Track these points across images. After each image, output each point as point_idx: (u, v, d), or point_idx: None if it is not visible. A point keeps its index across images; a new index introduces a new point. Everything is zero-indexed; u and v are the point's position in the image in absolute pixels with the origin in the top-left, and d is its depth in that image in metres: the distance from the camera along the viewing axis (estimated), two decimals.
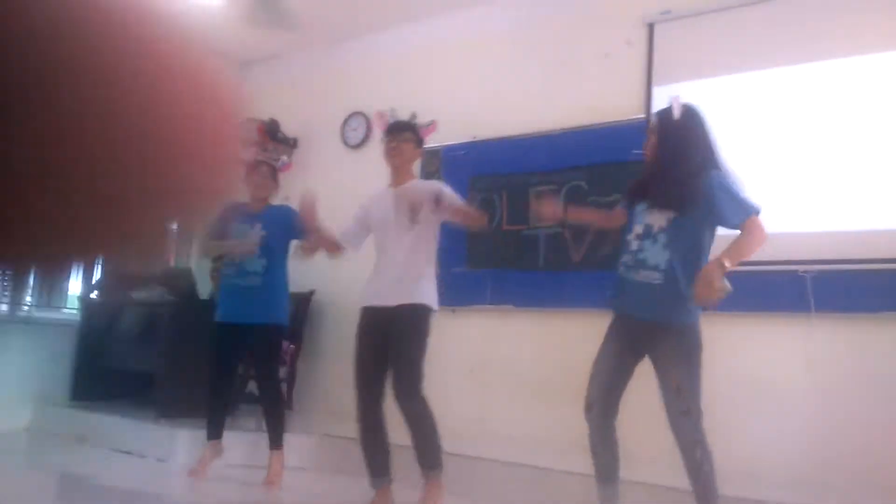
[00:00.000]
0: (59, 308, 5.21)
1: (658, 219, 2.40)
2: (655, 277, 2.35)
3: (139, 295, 4.78)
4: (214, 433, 3.62)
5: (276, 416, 3.53)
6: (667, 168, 2.44)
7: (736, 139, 3.58)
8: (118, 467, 3.90)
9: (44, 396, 4.81)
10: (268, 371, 3.58)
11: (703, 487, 2.31)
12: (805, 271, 3.24)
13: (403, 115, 4.09)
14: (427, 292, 3.04)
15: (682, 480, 2.44)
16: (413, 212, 2.97)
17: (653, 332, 2.38)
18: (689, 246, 2.37)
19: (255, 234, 3.55)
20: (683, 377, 2.33)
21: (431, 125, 3.22)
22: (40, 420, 4.74)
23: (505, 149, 4.31)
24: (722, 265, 2.23)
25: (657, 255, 2.36)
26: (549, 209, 2.86)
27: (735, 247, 2.31)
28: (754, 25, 3.62)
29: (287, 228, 3.54)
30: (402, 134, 3.19)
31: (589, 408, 2.48)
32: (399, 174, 3.19)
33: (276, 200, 3.90)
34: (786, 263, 3.31)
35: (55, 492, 3.59)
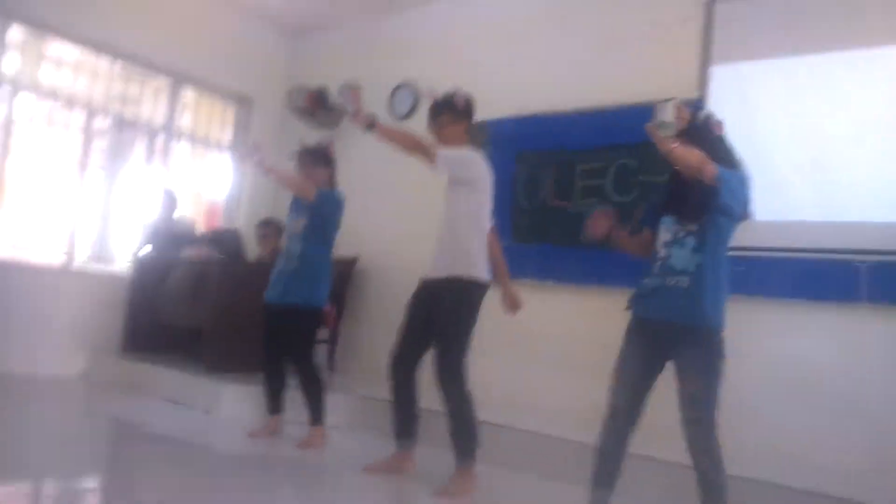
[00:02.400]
0: (111, 262, 5.40)
1: (688, 224, 2.40)
2: (684, 281, 2.34)
3: (188, 252, 4.93)
4: (273, 408, 3.74)
5: (312, 396, 3.60)
6: (695, 181, 2.36)
7: (794, 123, 3.53)
8: (167, 417, 4.06)
9: (97, 346, 5.02)
10: (298, 353, 3.64)
11: (710, 497, 2.29)
12: (861, 261, 3.19)
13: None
14: (461, 264, 2.96)
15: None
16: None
17: (678, 334, 2.35)
18: (715, 247, 2.37)
19: (300, 223, 3.62)
20: (701, 386, 2.32)
21: (461, 94, 3.13)
22: (93, 368, 4.95)
23: (553, 124, 4.31)
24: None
25: (686, 259, 2.35)
26: (597, 228, 2.65)
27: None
28: (814, 6, 3.53)
29: (326, 214, 3.60)
30: (438, 118, 3.10)
31: (614, 415, 2.45)
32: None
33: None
34: (840, 252, 3.26)
35: (108, 437, 3.76)
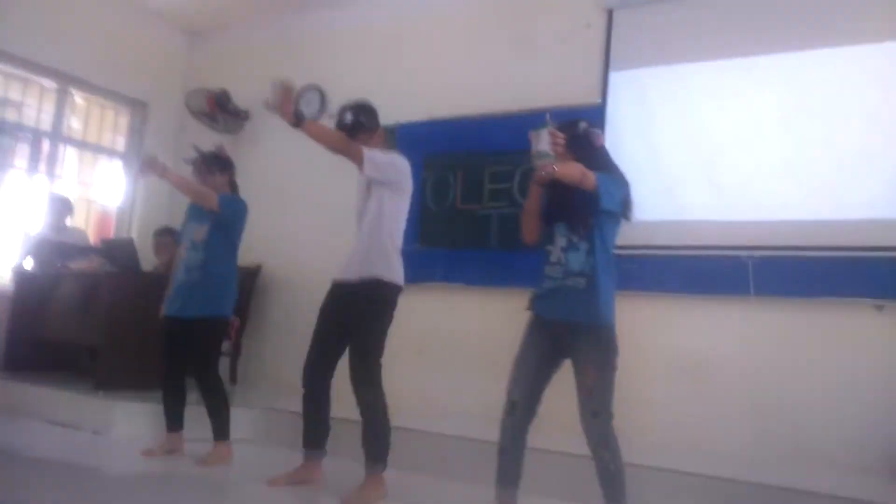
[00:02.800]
0: None
1: (578, 230, 2.51)
2: (581, 283, 2.45)
3: (78, 265, 4.62)
4: (172, 425, 3.53)
5: (216, 411, 3.44)
6: (577, 191, 2.44)
7: (688, 127, 3.68)
8: (52, 439, 3.75)
9: None
10: (202, 367, 3.47)
11: (610, 486, 2.37)
12: (748, 256, 3.35)
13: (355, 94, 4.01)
14: (379, 266, 2.93)
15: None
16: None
17: (575, 333, 2.46)
18: (604, 248, 2.49)
19: (202, 230, 3.46)
20: (597, 379, 2.41)
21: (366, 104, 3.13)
22: None
23: (461, 128, 4.32)
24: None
25: (581, 262, 2.46)
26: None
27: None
28: (710, 16, 3.70)
29: (230, 222, 3.47)
30: (356, 138, 2.98)
31: (511, 409, 2.50)
32: None
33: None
34: (730, 249, 3.42)
35: None
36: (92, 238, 5.32)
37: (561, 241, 2.53)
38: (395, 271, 2.97)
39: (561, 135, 2.36)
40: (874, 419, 3.04)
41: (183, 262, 3.51)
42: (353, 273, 2.96)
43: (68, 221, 5.08)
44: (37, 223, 5.01)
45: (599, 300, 2.43)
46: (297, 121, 2.86)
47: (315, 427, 3.02)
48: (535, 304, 2.60)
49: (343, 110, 3.10)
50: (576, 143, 2.51)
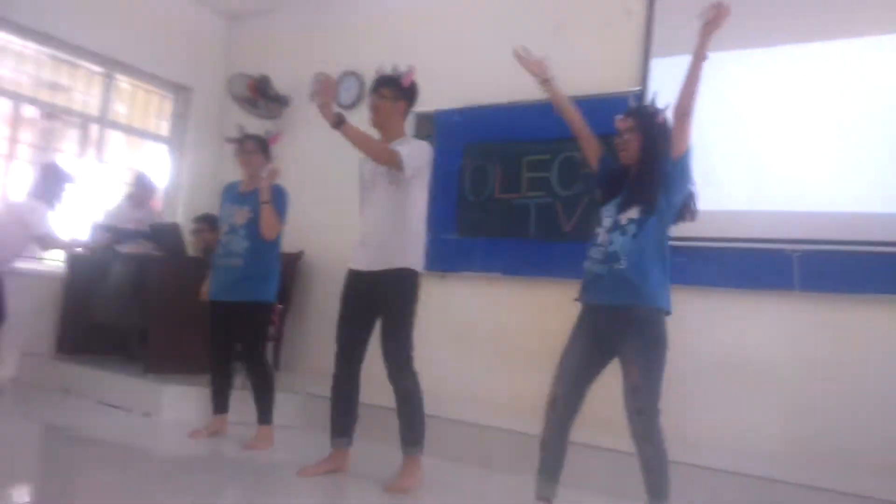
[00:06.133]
0: (44, 260, 5.17)
1: (630, 212, 2.44)
2: (626, 265, 2.38)
3: (126, 249, 4.75)
4: (219, 407, 3.63)
5: (262, 394, 3.53)
6: (647, 169, 2.45)
7: (734, 115, 3.59)
8: (104, 420, 3.92)
9: (28, 349, 4.79)
10: (250, 351, 3.55)
11: (652, 482, 2.35)
12: (792, 250, 3.28)
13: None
14: (411, 255, 2.97)
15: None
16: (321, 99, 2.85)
17: (618, 318, 2.39)
18: (656, 235, 2.42)
19: (243, 214, 3.51)
20: (642, 376, 2.36)
21: (410, 72, 3.07)
22: (25, 371, 4.72)
23: (499, 116, 4.28)
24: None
25: (626, 245, 2.39)
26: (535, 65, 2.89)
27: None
28: (749, 3, 3.59)
29: (279, 207, 3.50)
30: (379, 90, 3.04)
31: (553, 403, 2.48)
32: (384, 132, 3.07)
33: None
34: (773, 242, 3.35)
35: (40, 442, 3.60)
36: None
37: (607, 222, 2.48)
38: (420, 258, 3.04)
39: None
40: None
41: (223, 247, 3.55)
42: (382, 263, 2.95)
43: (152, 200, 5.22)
44: (114, 202, 5.20)
45: (648, 282, 2.36)
46: (338, 122, 2.82)
47: (344, 415, 3.08)
48: (581, 293, 2.54)
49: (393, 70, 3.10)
50: (653, 129, 2.50)
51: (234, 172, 3.89)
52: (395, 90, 3.04)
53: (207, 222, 4.64)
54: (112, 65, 5.47)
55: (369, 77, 4.91)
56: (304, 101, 5.34)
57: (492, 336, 4.06)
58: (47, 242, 4.45)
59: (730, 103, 3.60)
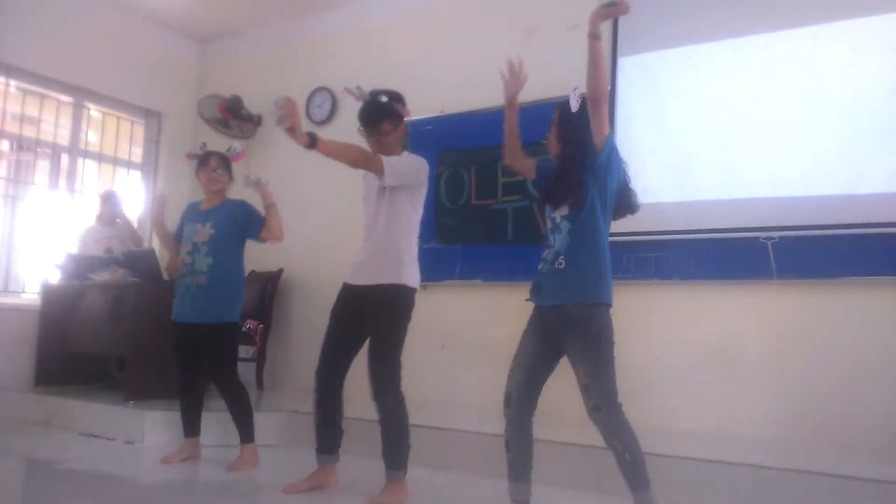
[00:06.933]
0: (18, 293, 5.09)
1: (562, 209, 2.45)
2: (562, 264, 2.38)
3: (101, 277, 4.68)
4: (189, 431, 3.57)
5: (239, 413, 3.46)
6: (568, 162, 2.44)
7: (699, 107, 3.63)
8: (87, 450, 3.83)
9: (5, 382, 4.71)
10: (219, 371, 3.49)
11: (629, 475, 2.33)
12: (767, 237, 3.30)
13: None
14: (404, 271, 2.89)
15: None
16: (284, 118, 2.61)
17: (559, 317, 2.38)
18: (591, 230, 2.40)
19: (205, 231, 3.46)
20: (590, 375, 2.32)
21: (405, 109, 3.02)
22: (4, 407, 4.63)
23: (472, 123, 4.31)
24: None
25: (563, 243, 2.40)
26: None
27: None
28: None
29: (239, 225, 3.47)
30: (378, 126, 2.92)
31: (507, 402, 2.47)
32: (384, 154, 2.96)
33: (237, 183, 3.77)
34: (748, 231, 3.37)
35: (22, 477, 3.52)
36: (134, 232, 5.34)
37: (550, 224, 2.49)
38: (414, 274, 2.94)
39: None
40: None
41: (186, 266, 3.48)
42: (371, 277, 2.90)
43: (124, 212, 5.15)
44: (86, 221, 5.13)
45: (585, 279, 2.34)
46: (311, 143, 2.67)
47: (328, 431, 3.02)
48: (530, 293, 2.53)
49: (377, 92, 2.97)
50: (570, 121, 2.45)
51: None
52: (393, 122, 2.96)
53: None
54: (82, 94, 5.44)
55: (340, 92, 4.97)
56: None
57: (474, 343, 4.05)
58: None
59: (696, 95, 3.65)
